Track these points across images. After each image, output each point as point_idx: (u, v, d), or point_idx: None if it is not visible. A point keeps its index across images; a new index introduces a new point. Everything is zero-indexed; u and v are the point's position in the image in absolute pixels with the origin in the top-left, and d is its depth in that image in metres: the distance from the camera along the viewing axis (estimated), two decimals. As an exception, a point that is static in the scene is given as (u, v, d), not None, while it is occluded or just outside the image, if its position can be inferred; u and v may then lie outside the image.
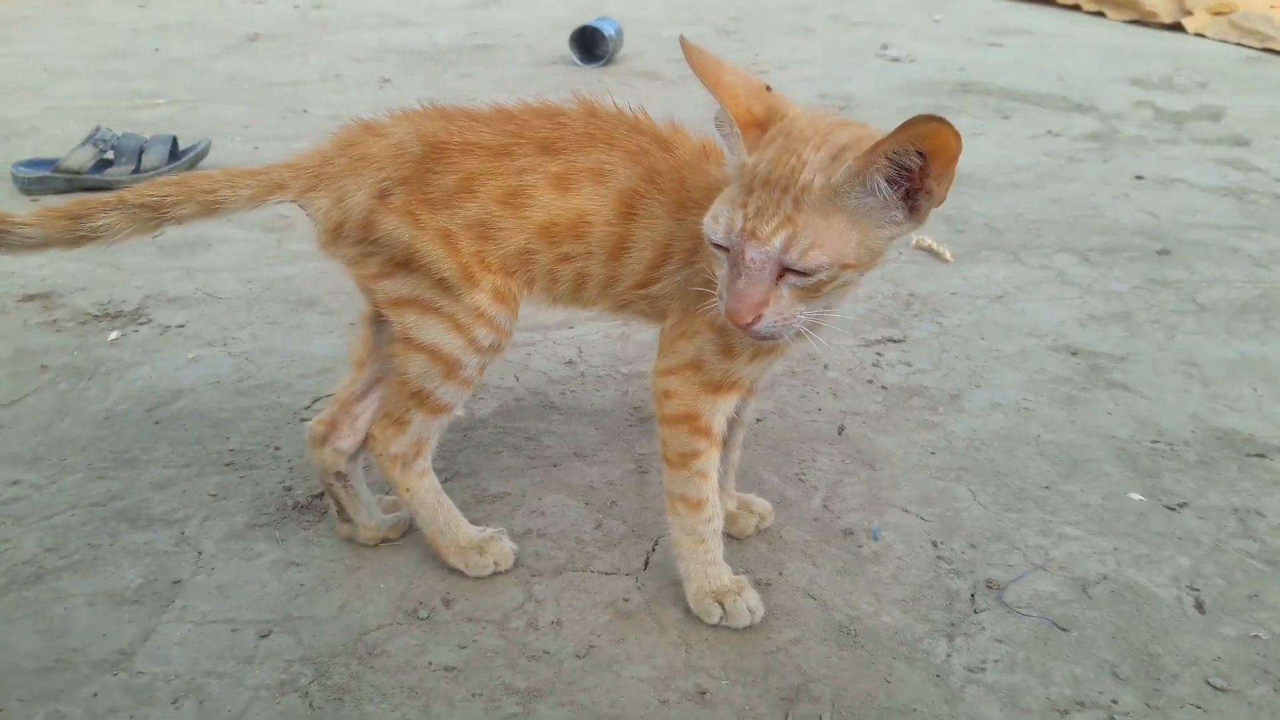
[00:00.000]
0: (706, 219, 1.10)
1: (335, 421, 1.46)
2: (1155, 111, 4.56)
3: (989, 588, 1.46)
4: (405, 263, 1.30)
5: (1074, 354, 2.21)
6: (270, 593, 1.44)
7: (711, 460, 1.35)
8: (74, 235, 1.30)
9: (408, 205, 1.28)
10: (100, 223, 1.29)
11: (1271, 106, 4.57)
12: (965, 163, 3.74)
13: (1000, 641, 1.36)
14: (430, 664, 1.31)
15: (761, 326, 1.07)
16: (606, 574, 1.49)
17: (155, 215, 1.31)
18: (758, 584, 1.45)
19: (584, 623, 1.39)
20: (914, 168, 1.03)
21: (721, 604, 1.37)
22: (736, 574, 1.42)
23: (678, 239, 1.30)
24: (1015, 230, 3.00)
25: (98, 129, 3.45)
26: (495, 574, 1.47)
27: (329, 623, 1.38)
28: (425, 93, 4.96)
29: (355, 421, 1.46)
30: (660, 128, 1.34)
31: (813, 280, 1.07)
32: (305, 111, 4.51)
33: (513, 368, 2.06)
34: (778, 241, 1.05)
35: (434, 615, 1.40)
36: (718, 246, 1.11)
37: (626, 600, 1.43)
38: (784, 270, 1.07)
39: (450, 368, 1.34)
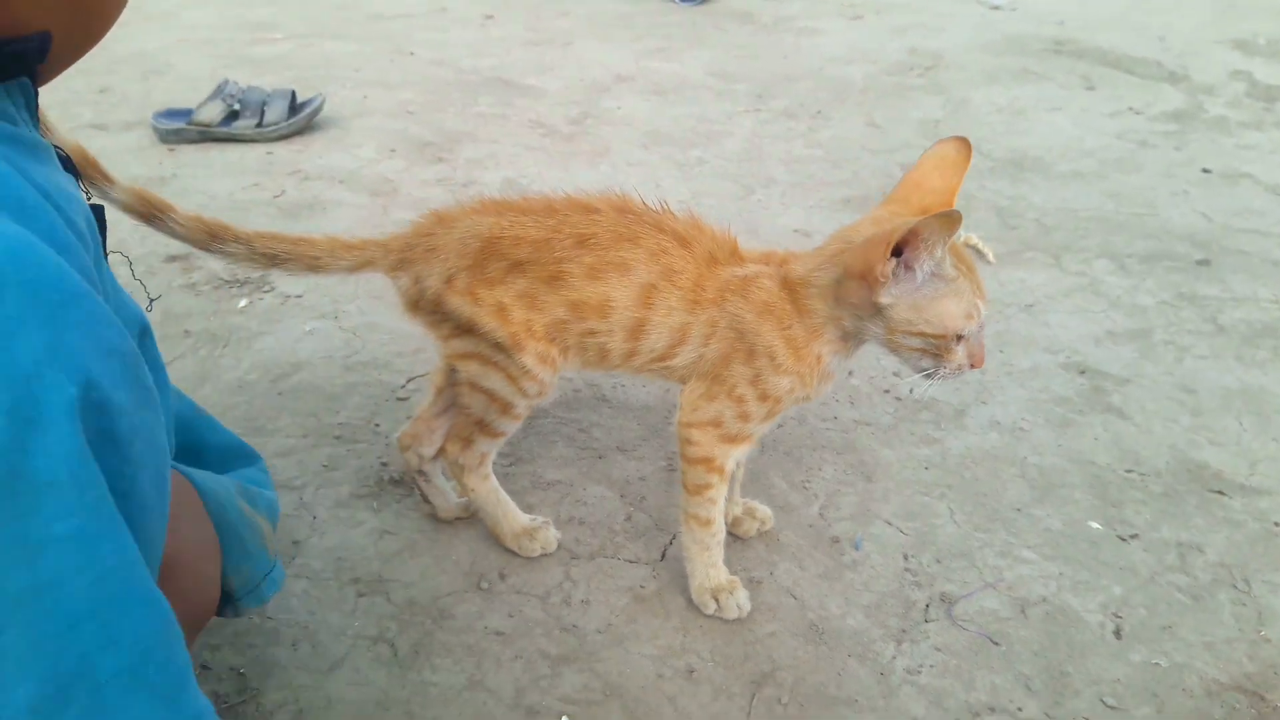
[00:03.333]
0: (960, 319, 1.42)
1: (417, 434, 1.84)
2: (1250, 85, 4.53)
3: (942, 601, 1.77)
4: (468, 329, 1.63)
5: (1082, 373, 2.44)
6: (368, 556, 1.84)
7: (721, 491, 1.68)
8: (205, 245, 1.63)
9: (469, 287, 1.60)
10: (229, 248, 1.63)
11: (1371, 88, 4.47)
12: (1033, 144, 3.86)
13: (939, 650, 1.68)
14: (486, 628, 1.70)
15: None
16: (630, 562, 1.84)
17: (269, 262, 1.65)
18: (750, 582, 1.79)
19: (607, 603, 1.75)
20: None
21: (716, 599, 1.71)
22: (733, 574, 1.76)
23: (693, 327, 1.58)
24: (1064, 229, 3.16)
25: (225, 82, 3.83)
26: (542, 556, 1.84)
27: (412, 586, 1.78)
28: (523, 32, 5.20)
29: (433, 434, 1.83)
30: (681, 225, 1.60)
31: None
32: (411, 54, 4.82)
33: (574, 362, 2.40)
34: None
35: (492, 587, 1.78)
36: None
37: (643, 587, 1.79)
38: None
39: (505, 408, 1.69)
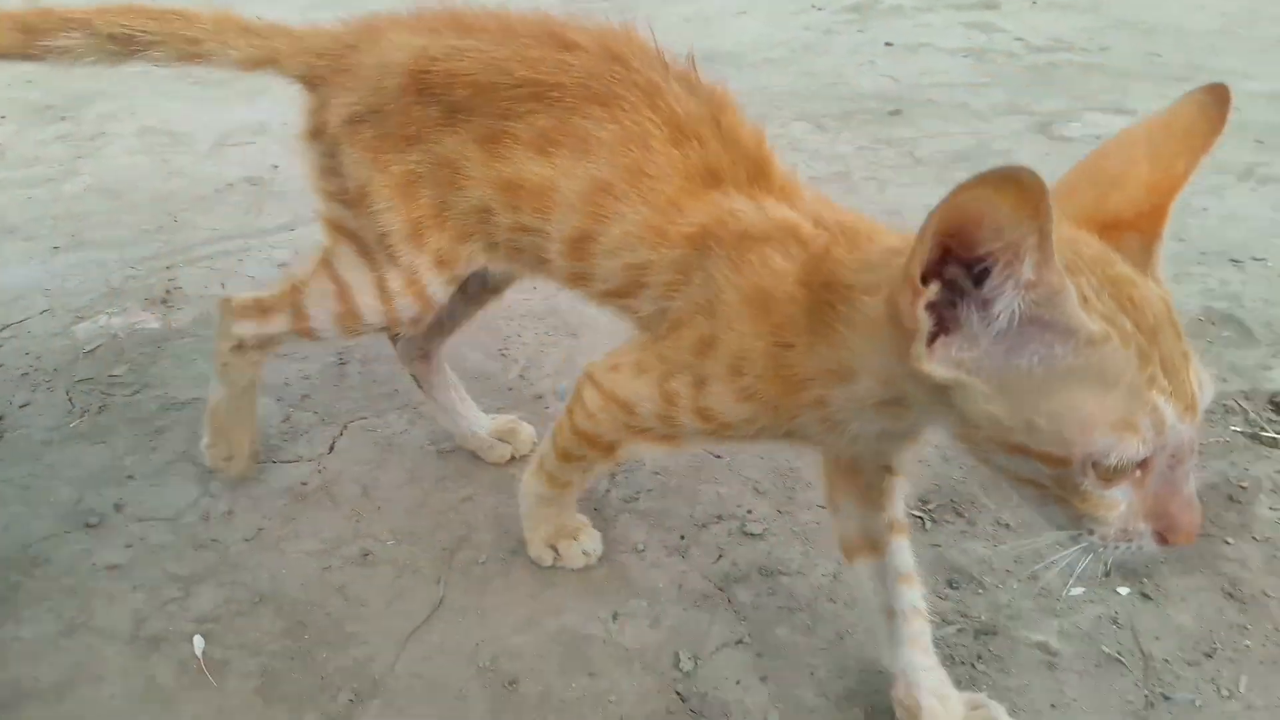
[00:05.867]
0: (1105, 428, 0.72)
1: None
2: (918, -20, 4.70)
3: (658, 429, 1.55)
4: (358, 201, 1.15)
5: (789, 213, 2.31)
6: (-65, 521, 1.41)
7: (600, 467, 1.20)
8: (26, 50, 1.18)
9: (375, 142, 1.12)
10: (60, 43, 1.17)
11: (1021, -31, 4.75)
12: (724, 44, 3.80)
13: (657, 474, 1.45)
14: (94, 566, 1.32)
15: None
16: (288, 463, 1.51)
17: (125, 50, 1.19)
18: (439, 453, 1.50)
19: (258, 510, 1.41)
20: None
21: (555, 547, 1.30)
22: (421, 446, 1.46)
23: (655, 269, 1.02)
24: (758, 104, 3.07)
25: None
26: (175, 475, 1.47)
27: (-7, 542, 1.36)
28: None
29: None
30: (689, 106, 1.02)
31: None
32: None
33: (219, 275, 2.02)
34: (1205, 399, 0.76)
35: (104, 520, 1.39)
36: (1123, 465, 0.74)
37: (305, 484, 1.46)
38: None
39: (348, 317, 1.23)
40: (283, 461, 1.51)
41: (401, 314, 1.19)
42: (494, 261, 1.18)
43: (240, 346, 1.33)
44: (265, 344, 1.33)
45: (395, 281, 1.17)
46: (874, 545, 1.08)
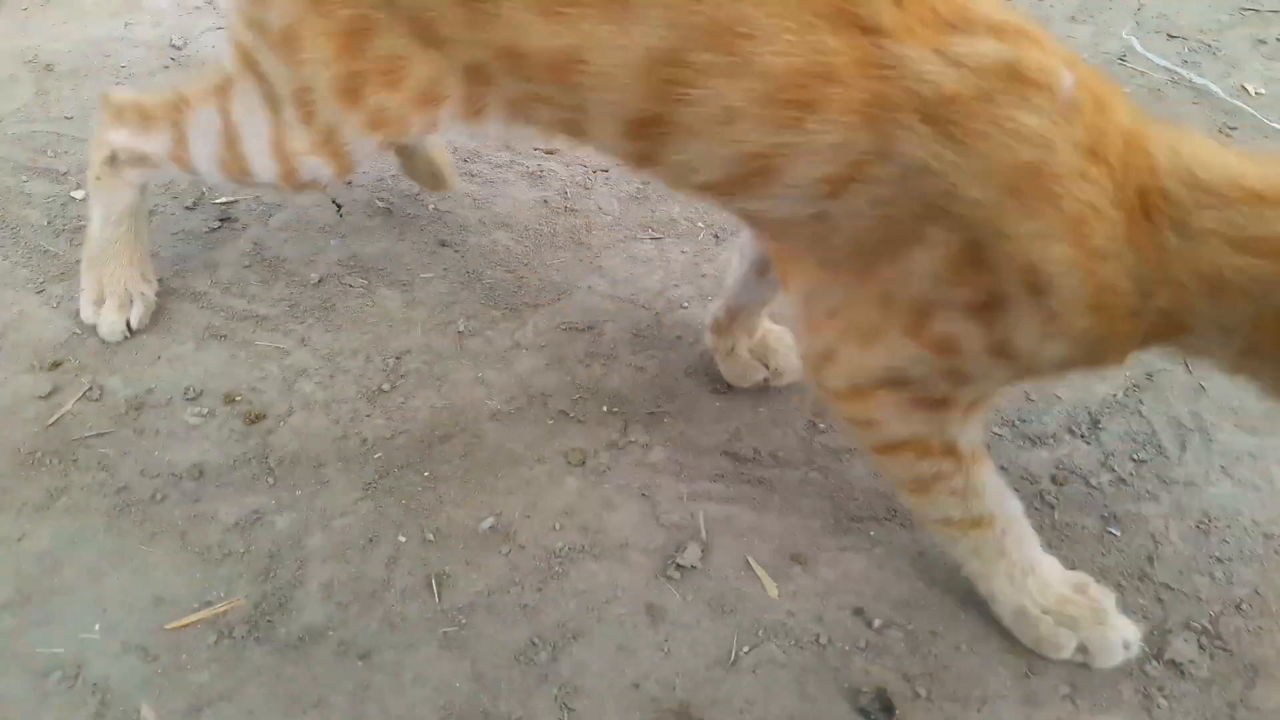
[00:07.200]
0: None
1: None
2: None
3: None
4: (282, 43, 0.93)
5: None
6: None
7: (974, 475, 0.88)
8: None
9: None
10: None
11: None
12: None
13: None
14: None
15: None
16: None
17: None
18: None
19: None
20: None
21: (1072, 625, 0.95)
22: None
23: (802, 156, 0.75)
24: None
25: None
26: None
27: None
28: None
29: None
30: None
31: None
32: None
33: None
34: None
35: None
36: None
37: None
38: None
39: (233, 165, 1.05)
40: None
41: (304, 175, 1.01)
42: (493, 125, 0.95)
43: (113, 159, 1.14)
44: (139, 163, 1.13)
45: (299, 141, 0.98)
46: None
